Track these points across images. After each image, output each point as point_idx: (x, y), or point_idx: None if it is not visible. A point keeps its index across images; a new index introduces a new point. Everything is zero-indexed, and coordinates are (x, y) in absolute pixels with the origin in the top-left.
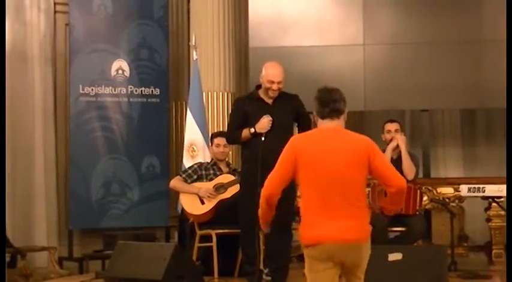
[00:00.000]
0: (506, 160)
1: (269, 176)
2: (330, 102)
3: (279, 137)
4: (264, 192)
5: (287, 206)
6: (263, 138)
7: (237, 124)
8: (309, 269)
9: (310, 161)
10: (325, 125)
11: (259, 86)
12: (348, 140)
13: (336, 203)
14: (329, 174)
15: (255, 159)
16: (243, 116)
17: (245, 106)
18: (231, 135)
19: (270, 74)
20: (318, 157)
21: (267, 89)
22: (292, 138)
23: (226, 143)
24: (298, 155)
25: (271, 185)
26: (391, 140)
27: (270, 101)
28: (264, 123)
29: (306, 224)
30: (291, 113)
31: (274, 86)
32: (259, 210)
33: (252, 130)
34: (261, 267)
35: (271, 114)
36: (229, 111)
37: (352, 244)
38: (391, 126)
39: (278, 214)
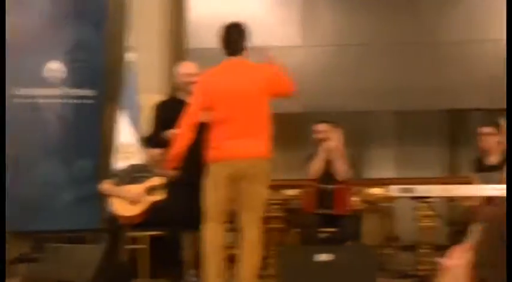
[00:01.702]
0: (506, 160)
1: (188, 110)
2: (230, 43)
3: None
4: (188, 121)
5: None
6: None
7: (154, 129)
8: (212, 185)
9: (220, 90)
10: (229, 60)
11: (177, 90)
12: (251, 69)
13: (242, 125)
14: (237, 101)
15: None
16: (165, 119)
17: (166, 110)
18: (151, 135)
19: (186, 68)
20: (226, 86)
21: (187, 85)
22: (201, 76)
23: None
24: (209, 86)
25: (193, 115)
26: (319, 140)
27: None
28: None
29: (214, 145)
30: None
31: (194, 78)
32: (175, 146)
33: (172, 131)
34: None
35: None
36: None
37: (255, 159)
38: (319, 127)
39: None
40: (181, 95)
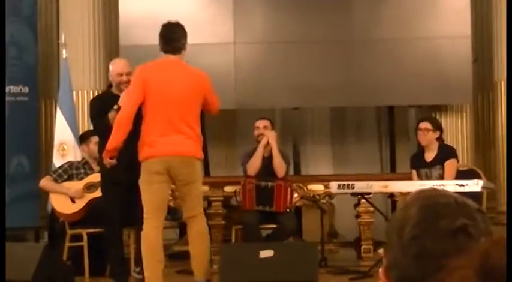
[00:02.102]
0: (506, 160)
1: (126, 101)
2: (172, 41)
3: (139, 130)
4: (127, 111)
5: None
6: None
7: (97, 114)
8: (146, 181)
9: (157, 87)
10: (167, 57)
11: (110, 86)
12: (189, 72)
13: (175, 123)
14: (173, 100)
15: (120, 155)
16: (103, 110)
17: (103, 103)
18: (98, 120)
19: (117, 67)
20: (164, 84)
21: (119, 84)
22: (140, 68)
23: None
24: (147, 81)
25: (130, 107)
26: (258, 136)
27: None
28: (123, 94)
29: (148, 141)
30: None
31: (124, 78)
32: (112, 137)
33: (116, 106)
34: (133, 266)
35: None
36: None
37: (188, 157)
38: (259, 123)
39: (136, 212)
40: (115, 91)
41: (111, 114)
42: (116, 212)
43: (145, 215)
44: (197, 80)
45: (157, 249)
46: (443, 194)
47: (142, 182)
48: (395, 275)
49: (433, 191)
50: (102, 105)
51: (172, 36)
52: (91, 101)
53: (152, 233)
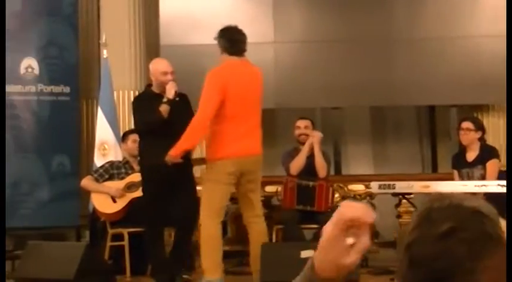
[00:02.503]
0: (506, 160)
1: (207, 103)
2: (240, 43)
3: (183, 131)
4: (207, 115)
5: (186, 202)
6: (177, 99)
7: (147, 109)
8: (215, 181)
9: (236, 91)
10: (234, 60)
11: (149, 85)
12: (255, 72)
13: (250, 124)
14: (249, 102)
15: (161, 154)
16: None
17: (148, 102)
18: (149, 115)
19: (161, 66)
20: (241, 87)
21: (163, 83)
22: (217, 70)
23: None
24: (226, 85)
25: (212, 109)
26: (299, 136)
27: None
28: (169, 87)
29: (223, 143)
30: (188, 108)
31: (169, 77)
32: (188, 139)
33: (165, 99)
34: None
35: (173, 108)
36: None
37: (259, 156)
38: (301, 123)
39: (178, 210)
40: (156, 90)
41: (162, 107)
42: (157, 211)
43: (207, 213)
44: (259, 79)
45: (220, 247)
46: (443, 198)
47: (209, 181)
48: None
49: (437, 196)
50: (148, 104)
51: (239, 38)
52: (134, 101)
53: (215, 231)
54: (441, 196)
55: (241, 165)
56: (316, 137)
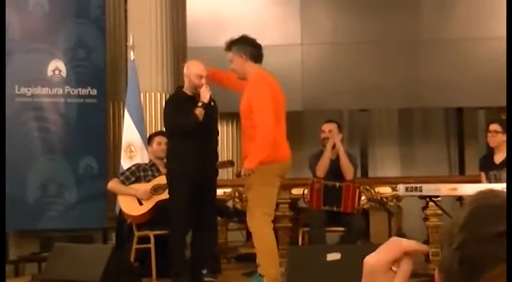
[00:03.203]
0: (506, 160)
1: (267, 113)
2: (261, 50)
3: (213, 136)
4: (272, 124)
5: (211, 206)
6: (212, 103)
7: (181, 112)
8: (268, 184)
9: (277, 98)
10: (262, 67)
11: (181, 87)
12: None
13: (284, 128)
14: (283, 107)
15: (194, 156)
16: (178, 110)
17: (181, 104)
18: (184, 118)
19: (198, 69)
20: (278, 94)
21: (196, 86)
22: (262, 78)
23: (166, 141)
24: (272, 91)
25: (272, 118)
26: (324, 140)
27: (194, 96)
28: (204, 91)
29: (273, 146)
30: (217, 113)
31: (203, 81)
32: (262, 150)
33: (200, 103)
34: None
35: (205, 112)
36: None
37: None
38: (325, 127)
39: (203, 214)
40: (188, 92)
41: (198, 111)
42: (184, 213)
43: (264, 217)
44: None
45: (276, 250)
46: (496, 195)
47: (264, 185)
48: (443, 278)
49: (489, 192)
50: (181, 106)
51: (259, 45)
52: (167, 103)
53: (272, 234)
54: (493, 193)
55: (285, 169)
56: (336, 139)
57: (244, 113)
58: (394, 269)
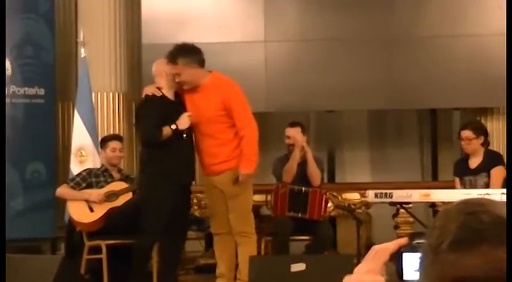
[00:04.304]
0: (506, 160)
1: (250, 114)
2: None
3: (192, 141)
4: (256, 128)
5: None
6: (184, 136)
7: (156, 123)
8: (251, 188)
9: None
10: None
11: (159, 88)
12: None
13: None
14: None
15: (177, 162)
16: (160, 115)
17: (160, 106)
18: (153, 132)
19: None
20: None
21: (175, 84)
22: (226, 78)
23: (122, 147)
24: None
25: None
26: (290, 146)
27: (173, 99)
28: (185, 119)
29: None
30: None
31: (177, 78)
32: (256, 151)
33: (174, 126)
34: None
35: (176, 111)
36: (121, 112)
37: None
38: (288, 132)
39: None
40: (169, 94)
41: (166, 131)
42: (162, 221)
43: (253, 226)
44: None
45: None
46: (488, 209)
47: (250, 188)
48: None
49: (479, 205)
50: (163, 113)
51: (200, 49)
52: (145, 106)
53: None
54: (484, 206)
55: None
56: (300, 143)
57: (213, 117)
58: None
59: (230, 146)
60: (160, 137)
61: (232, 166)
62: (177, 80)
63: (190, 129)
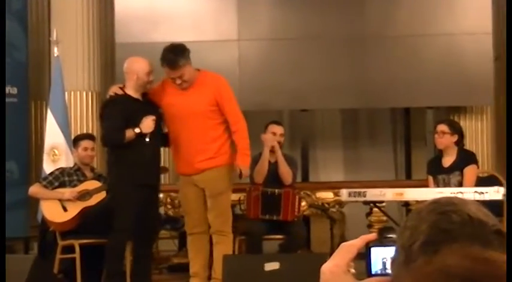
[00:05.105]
0: (506, 160)
1: (239, 110)
2: None
3: (157, 141)
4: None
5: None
6: (147, 139)
7: (119, 125)
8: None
9: None
10: None
11: (121, 87)
12: None
13: None
14: None
15: (142, 163)
16: (123, 116)
17: (124, 106)
18: (120, 135)
19: (146, 66)
20: None
21: (145, 84)
22: (214, 73)
23: (94, 146)
24: None
25: None
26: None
27: (140, 98)
28: (150, 123)
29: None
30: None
31: (151, 77)
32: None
33: (138, 130)
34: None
35: (142, 111)
36: (94, 111)
37: None
38: (276, 129)
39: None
40: (134, 93)
41: (130, 133)
42: (131, 221)
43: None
44: None
45: None
46: (459, 209)
47: (230, 188)
48: None
49: (450, 204)
50: (127, 113)
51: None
52: (108, 105)
53: None
54: (455, 205)
55: None
56: (272, 142)
57: (205, 113)
58: (352, 270)
59: (218, 142)
60: (123, 139)
61: (218, 164)
62: (178, 82)
63: (155, 133)
